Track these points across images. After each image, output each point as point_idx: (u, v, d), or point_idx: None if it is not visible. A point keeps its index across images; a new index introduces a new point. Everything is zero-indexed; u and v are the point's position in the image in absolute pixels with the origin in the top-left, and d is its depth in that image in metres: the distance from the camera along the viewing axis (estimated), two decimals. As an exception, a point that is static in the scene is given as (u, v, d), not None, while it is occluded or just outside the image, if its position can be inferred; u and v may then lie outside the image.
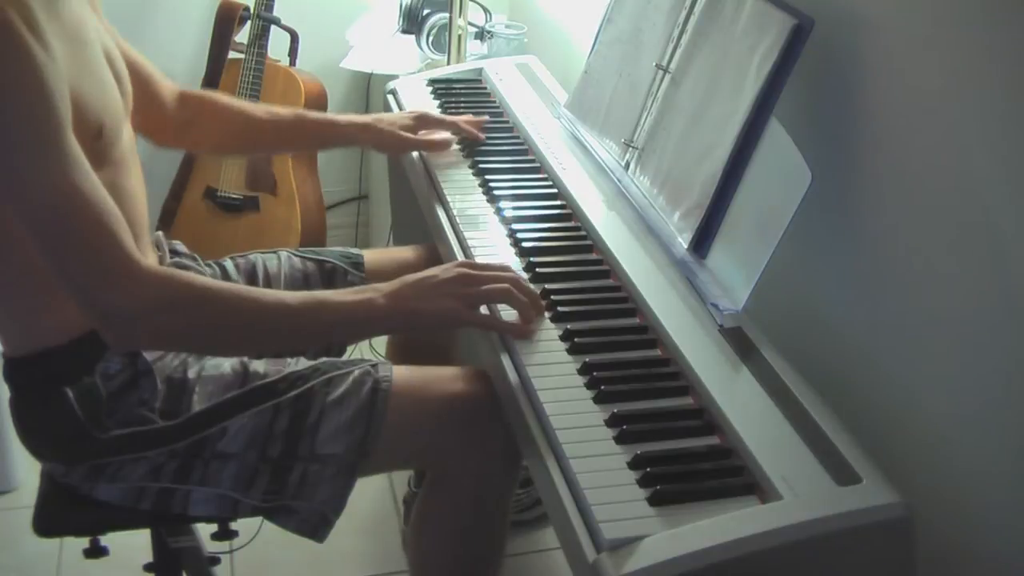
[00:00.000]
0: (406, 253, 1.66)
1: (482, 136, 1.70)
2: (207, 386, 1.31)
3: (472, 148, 1.70)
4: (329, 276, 1.57)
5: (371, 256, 1.62)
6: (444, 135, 1.69)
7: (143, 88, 1.45)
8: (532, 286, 1.27)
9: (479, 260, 1.38)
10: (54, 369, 1.26)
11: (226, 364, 1.34)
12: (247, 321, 1.19)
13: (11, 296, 1.25)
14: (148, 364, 1.29)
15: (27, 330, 1.26)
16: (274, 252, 1.59)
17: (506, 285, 1.23)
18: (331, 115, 1.68)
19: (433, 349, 1.69)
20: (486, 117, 1.75)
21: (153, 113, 1.49)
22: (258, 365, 1.34)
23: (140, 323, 1.14)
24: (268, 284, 1.53)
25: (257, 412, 1.28)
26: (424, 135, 1.68)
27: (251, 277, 1.54)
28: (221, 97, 1.61)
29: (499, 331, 1.24)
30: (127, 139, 1.30)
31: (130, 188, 1.29)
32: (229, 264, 1.55)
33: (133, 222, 1.25)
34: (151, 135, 1.55)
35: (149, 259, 1.29)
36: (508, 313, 1.25)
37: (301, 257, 1.59)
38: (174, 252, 1.50)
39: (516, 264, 1.37)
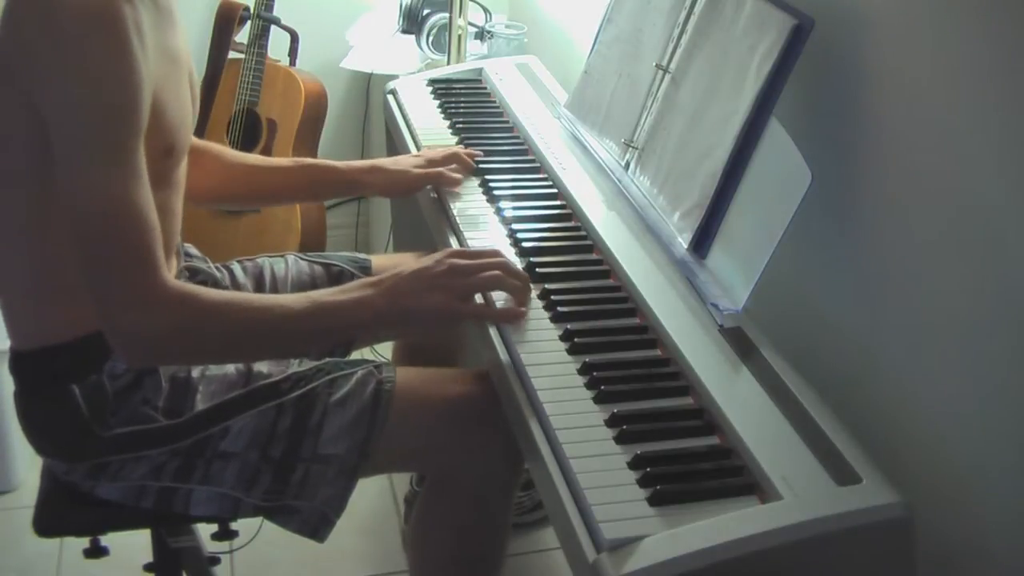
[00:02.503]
0: (413, 259, 1.65)
1: (472, 164, 1.62)
2: (210, 385, 1.31)
3: (472, 148, 1.70)
4: (336, 280, 1.56)
5: (379, 261, 1.62)
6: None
7: None
8: (519, 267, 1.29)
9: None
10: (62, 365, 1.26)
11: (230, 364, 1.34)
12: (254, 333, 1.20)
13: (27, 289, 1.25)
14: (152, 363, 1.29)
15: (38, 324, 1.26)
16: (281, 256, 1.59)
17: (497, 272, 1.24)
18: (332, 162, 1.61)
19: (439, 351, 1.69)
20: (480, 153, 1.67)
21: None
22: (261, 365, 1.35)
23: (157, 345, 1.15)
24: (275, 288, 1.53)
25: (260, 412, 1.28)
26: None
27: (258, 281, 1.54)
28: (220, 147, 1.58)
29: (493, 321, 1.25)
30: (184, 161, 1.32)
31: (177, 208, 1.31)
32: (237, 268, 1.55)
33: (169, 239, 1.27)
34: None
35: (172, 271, 1.31)
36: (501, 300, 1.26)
37: (308, 261, 1.58)
38: (186, 255, 1.50)
39: (516, 264, 1.37)
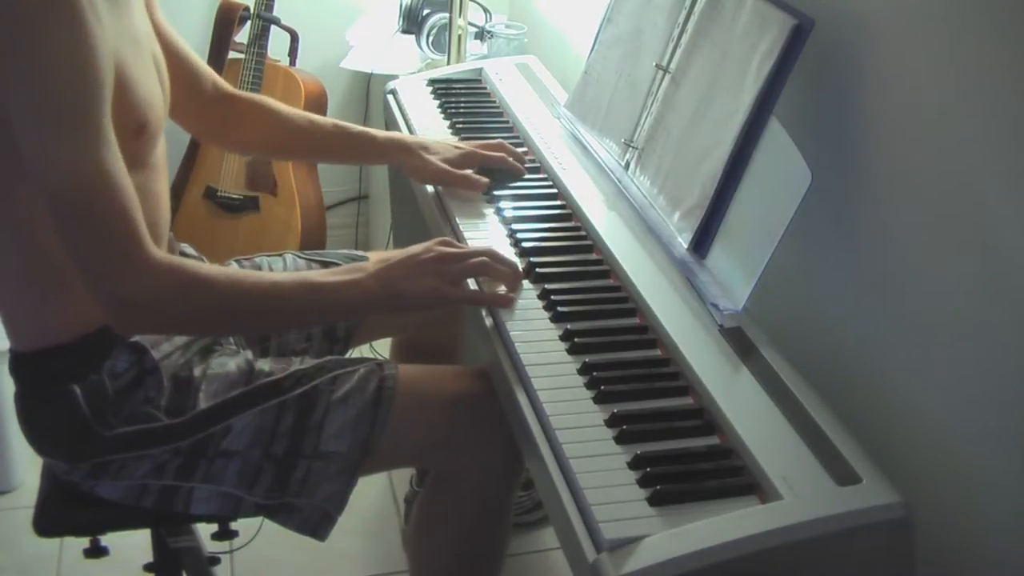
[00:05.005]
0: None
1: (523, 169, 1.60)
2: (212, 384, 1.31)
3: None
4: None
5: (376, 258, 1.62)
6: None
7: (188, 79, 1.48)
8: (511, 256, 1.32)
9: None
10: (62, 366, 1.26)
11: (231, 362, 1.34)
12: (245, 308, 1.21)
13: (23, 290, 1.25)
14: (155, 362, 1.29)
15: (37, 325, 1.26)
16: (279, 255, 1.59)
17: (484, 259, 1.27)
18: (370, 130, 1.61)
19: (438, 349, 1.69)
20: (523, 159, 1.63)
21: (195, 107, 1.51)
22: (263, 363, 1.35)
23: (147, 311, 1.15)
24: None
25: (262, 410, 1.28)
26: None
27: None
28: (270, 101, 1.59)
29: (483, 304, 1.27)
30: (162, 145, 1.32)
31: (159, 192, 1.30)
32: (235, 267, 1.55)
33: (157, 224, 1.27)
34: (193, 129, 1.58)
35: None
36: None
37: (307, 259, 1.59)
38: (182, 255, 1.50)
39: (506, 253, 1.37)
